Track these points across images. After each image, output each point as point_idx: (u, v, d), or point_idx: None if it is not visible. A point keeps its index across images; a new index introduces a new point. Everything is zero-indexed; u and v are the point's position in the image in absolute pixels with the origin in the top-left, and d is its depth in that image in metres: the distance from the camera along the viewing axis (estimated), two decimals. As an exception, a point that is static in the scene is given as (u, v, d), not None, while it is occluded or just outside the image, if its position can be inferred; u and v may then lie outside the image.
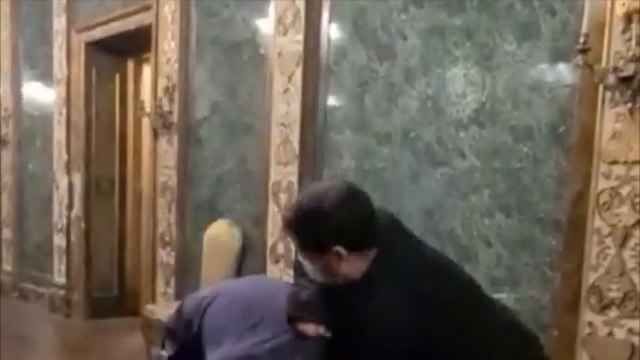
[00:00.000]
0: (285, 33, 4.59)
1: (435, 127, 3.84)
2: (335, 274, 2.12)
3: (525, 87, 3.44)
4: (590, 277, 3.12)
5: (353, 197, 2.10)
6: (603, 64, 3.00)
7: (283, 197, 4.68)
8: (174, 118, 5.71)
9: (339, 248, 2.06)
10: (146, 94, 6.73)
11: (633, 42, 2.90)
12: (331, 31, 4.44)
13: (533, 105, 3.42)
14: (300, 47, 4.52)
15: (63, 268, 7.48)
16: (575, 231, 3.20)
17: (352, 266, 2.10)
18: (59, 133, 7.38)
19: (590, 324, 3.12)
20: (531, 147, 3.43)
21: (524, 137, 3.45)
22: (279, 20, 4.63)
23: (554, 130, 3.35)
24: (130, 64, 7.25)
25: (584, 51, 2.92)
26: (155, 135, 5.96)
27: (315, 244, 2.11)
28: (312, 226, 2.07)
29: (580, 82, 3.19)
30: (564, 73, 3.31)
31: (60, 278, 7.52)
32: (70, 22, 7.09)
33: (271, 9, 4.73)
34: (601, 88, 3.04)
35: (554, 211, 3.35)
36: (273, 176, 4.75)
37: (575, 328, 3.19)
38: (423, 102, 3.90)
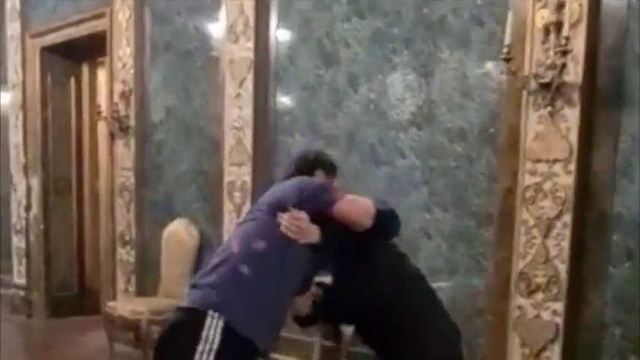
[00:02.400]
0: (236, 41, 4.82)
1: (377, 129, 4.15)
2: None
3: (458, 92, 3.76)
4: (519, 265, 3.45)
5: None
6: (526, 71, 3.32)
7: (238, 196, 4.91)
8: (131, 121, 5.87)
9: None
10: (101, 97, 6.86)
11: (551, 52, 3.22)
12: (279, 39, 4.69)
13: (465, 108, 3.73)
14: (250, 54, 4.75)
15: (22, 269, 7.58)
16: (505, 223, 3.53)
17: None
18: (16, 137, 7.48)
19: (519, 307, 3.45)
20: (465, 147, 3.74)
21: (458, 138, 3.77)
22: (231, 28, 4.85)
23: (484, 132, 3.67)
24: (85, 68, 7.35)
25: (507, 60, 3.24)
26: (112, 138, 6.12)
27: None
28: None
29: (506, 88, 3.50)
30: (492, 79, 3.63)
31: (20, 279, 7.62)
32: (25, 27, 7.18)
33: (222, 18, 4.96)
34: (525, 93, 3.35)
35: (487, 206, 3.68)
36: (228, 176, 4.98)
37: (506, 312, 3.51)
38: (365, 106, 4.20)
